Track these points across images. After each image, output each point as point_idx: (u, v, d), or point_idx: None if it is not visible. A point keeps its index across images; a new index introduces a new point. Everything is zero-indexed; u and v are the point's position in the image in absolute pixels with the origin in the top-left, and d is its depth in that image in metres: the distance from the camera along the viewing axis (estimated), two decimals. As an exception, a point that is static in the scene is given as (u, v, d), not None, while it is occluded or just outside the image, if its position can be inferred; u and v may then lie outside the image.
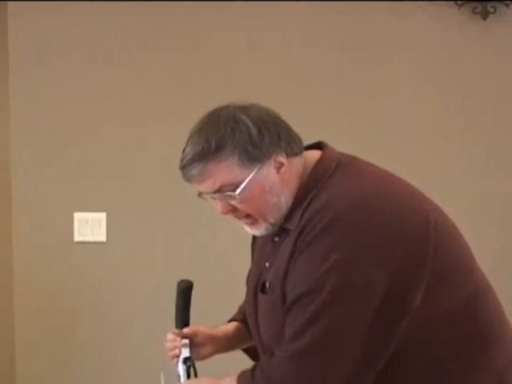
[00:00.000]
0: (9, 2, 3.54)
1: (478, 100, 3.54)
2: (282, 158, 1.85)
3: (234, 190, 1.83)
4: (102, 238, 3.57)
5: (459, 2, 3.48)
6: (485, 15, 3.49)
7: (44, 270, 3.58)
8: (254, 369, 1.84)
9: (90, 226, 3.56)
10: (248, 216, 1.88)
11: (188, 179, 1.91)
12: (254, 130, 1.83)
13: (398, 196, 1.83)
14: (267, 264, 1.93)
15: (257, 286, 1.95)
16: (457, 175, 3.55)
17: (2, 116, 3.78)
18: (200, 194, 1.92)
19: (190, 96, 3.53)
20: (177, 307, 2.17)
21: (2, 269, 3.87)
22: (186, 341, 2.11)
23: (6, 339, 3.88)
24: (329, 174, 1.86)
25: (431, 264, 1.75)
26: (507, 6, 3.48)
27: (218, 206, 1.89)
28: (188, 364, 2.11)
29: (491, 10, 3.49)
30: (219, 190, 1.84)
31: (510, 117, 3.57)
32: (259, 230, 1.90)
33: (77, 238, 3.56)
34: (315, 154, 1.92)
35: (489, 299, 1.90)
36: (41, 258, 3.58)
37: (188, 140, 1.91)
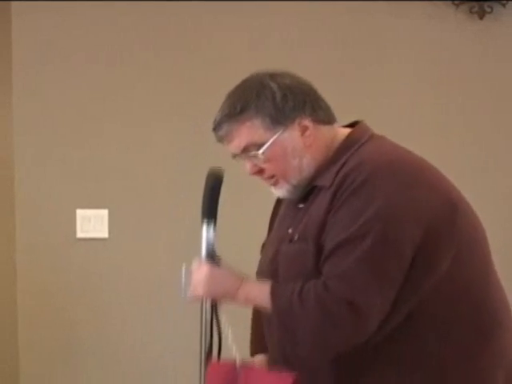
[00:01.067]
0: (12, 2, 3.55)
1: (475, 99, 3.55)
2: (306, 123, 1.95)
3: (258, 150, 1.93)
4: (104, 234, 3.58)
5: (456, 2, 3.50)
6: (482, 15, 3.51)
7: (47, 266, 3.59)
8: (292, 288, 1.86)
9: (92, 223, 3.57)
10: (272, 177, 1.98)
11: (219, 140, 2.02)
12: (278, 95, 1.94)
13: (429, 169, 1.97)
14: (290, 230, 1.98)
15: (277, 252, 2.00)
16: (454, 174, 3.56)
17: (5, 115, 3.79)
18: (234, 156, 2.02)
19: (191, 95, 3.54)
20: (205, 198, 2.13)
21: (6, 265, 3.88)
22: None
23: (9, 335, 3.88)
24: (363, 141, 1.97)
25: (458, 234, 1.87)
26: (504, 5, 3.50)
27: (247, 167, 1.99)
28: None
29: (488, 9, 3.50)
30: (245, 150, 1.96)
31: (508, 116, 3.58)
32: (281, 191, 2.00)
33: (79, 234, 3.57)
34: (349, 130, 2.01)
35: (496, 290, 1.97)
36: (43, 254, 3.59)
37: (224, 100, 2.02)
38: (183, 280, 2.06)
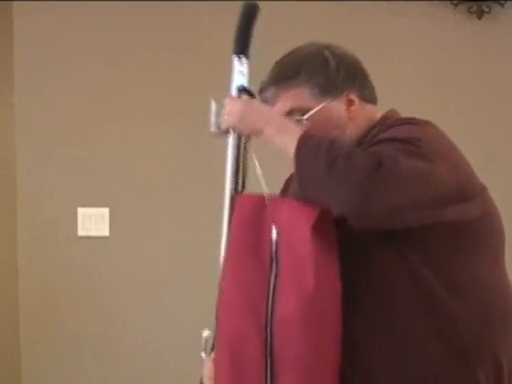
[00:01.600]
0: (14, 2, 3.56)
1: (474, 98, 3.55)
2: (353, 97, 1.95)
3: (303, 115, 1.91)
4: (105, 232, 3.59)
5: (455, 2, 3.51)
6: (480, 14, 3.51)
7: (48, 264, 3.60)
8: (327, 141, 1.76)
9: (93, 221, 3.58)
10: None
11: (264, 101, 1.98)
12: (331, 64, 1.94)
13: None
14: None
15: None
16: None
17: (7, 114, 3.80)
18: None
19: (191, 95, 3.53)
20: (238, 30, 2.07)
21: (8, 263, 3.89)
22: None
23: (10, 332, 3.89)
24: (397, 117, 1.97)
25: (483, 208, 1.92)
26: (502, 5, 3.50)
27: None
28: None
29: (486, 9, 3.51)
30: (289, 114, 1.92)
31: (507, 115, 3.58)
32: None
33: (80, 232, 3.58)
34: None
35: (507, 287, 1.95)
36: (45, 252, 3.60)
37: (276, 62, 2.01)
38: (213, 114, 2.00)
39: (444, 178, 1.77)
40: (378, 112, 2.02)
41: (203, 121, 3.56)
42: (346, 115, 1.94)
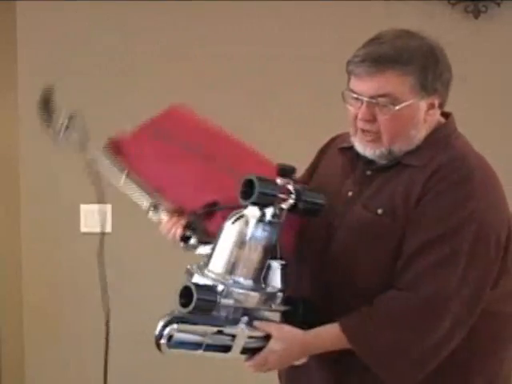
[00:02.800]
0: (17, 2, 3.58)
1: (471, 97, 3.54)
2: (436, 102, 1.92)
3: (394, 104, 1.85)
4: (108, 229, 3.56)
5: (452, 1, 3.51)
6: (477, 14, 3.52)
7: (51, 260, 3.62)
8: (360, 311, 1.84)
9: (95, 218, 3.59)
10: (376, 133, 1.90)
11: (353, 71, 1.91)
12: (440, 63, 1.91)
13: None
14: (350, 193, 1.95)
15: (333, 211, 1.94)
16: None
17: (11, 110, 3.82)
18: (344, 93, 1.93)
19: (193, 91, 3.56)
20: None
21: (11, 259, 3.91)
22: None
23: (14, 327, 3.91)
24: (454, 136, 1.97)
25: None
26: (498, 5, 3.51)
27: (361, 111, 1.89)
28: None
29: (483, 9, 3.51)
30: (380, 96, 1.86)
31: (503, 114, 3.58)
32: (372, 151, 1.92)
33: (83, 229, 3.61)
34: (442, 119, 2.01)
35: None
36: (48, 248, 3.62)
37: (374, 40, 1.93)
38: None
39: (495, 256, 1.84)
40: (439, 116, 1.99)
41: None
42: (423, 117, 1.91)
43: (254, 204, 1.80)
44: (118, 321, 3.62)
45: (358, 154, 1.99)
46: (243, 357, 1.84)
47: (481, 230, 1.81)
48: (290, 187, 1.85)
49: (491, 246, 1.83)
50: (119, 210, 3.60)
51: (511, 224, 1.90)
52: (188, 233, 1.95)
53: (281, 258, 1.84)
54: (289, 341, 1.86)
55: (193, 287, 1.74)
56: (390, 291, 1.83)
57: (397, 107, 1.85)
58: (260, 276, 1.84)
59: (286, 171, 1.87)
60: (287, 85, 3.55)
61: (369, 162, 1.97)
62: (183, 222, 2.05)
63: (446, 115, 2.02)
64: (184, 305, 1.77)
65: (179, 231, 2.02)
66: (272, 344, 1.84)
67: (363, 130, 1.91)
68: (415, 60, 1.86)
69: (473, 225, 1.80)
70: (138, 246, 3.62)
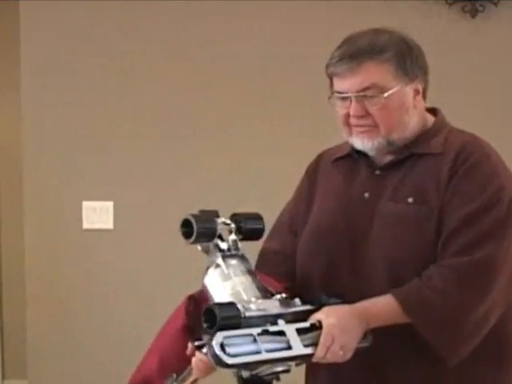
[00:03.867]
0: (20, 2, 3.57)
1: (468, 96, 3.54)
2: (420, 87, 1.95)
3: (382, 93, 1.87)
4: (109, 225, 3.60)
5: (449, 1, 3.50)
6: (474, 13, 3.51)
7: (54, 256, 3.61)
8: (410, 284, 1.83)
9: (97, 214, 3.59)
10: (371, 126, 1.91)
11: (333, 73, 1.93)
12: (414, 49, 1.93)
13: None
14: (366, 195, 1.95)
15: (364, 214, 1.94)
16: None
17: (14, 109, 3.84)
18: (330, 97, 1.95)
19: (192, 92, 3.56)
20: None
21: (15, 255, 3.93)
22: None
23: (17, 321, 3.93)
24: (449, 124, 2.02)
25: None
26: (495, 4, 3.50)
27: (352, 108, 1.90)
28: None
29: (480, 8, 3.50)
30: (366, 89, 1.88)
31: (500, 112, 3.57)
32: (371, 142, 1.92)
33: (85, 225, 3.60)
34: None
35: None
36: (51, 244, 3.62)
37: (346, 41, 1.95)
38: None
39: None
40: (425, 110, 2.02)
41: (205, 119, 3.62)
42: (412, 103, 1.93)
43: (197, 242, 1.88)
44: (120, 313, 3.65)
45: (356, 159, 2.01)
46: (310, 350, 1.75)
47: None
48: (226, 220, 1.90)
49: None
50: (121, 207, 3.62)
51: None
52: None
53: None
54: (340, 313, 1.80)
55: (215, 307, 1.70)
56: (438, 262, 1.84)
57: (385, 95, 1.88)
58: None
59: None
60: (287, 84, 3.54)
61: (372, 162, 1.98)
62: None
63: (433, 110, 2.06)
64: (209, 328, 1.70)
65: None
66: (327, 321, 1.77)
67: (359, 126, 1.93)
68: (389, 48, 1.89)
69: (506, 196, 1.85)
70: (139, 243, 3.62)
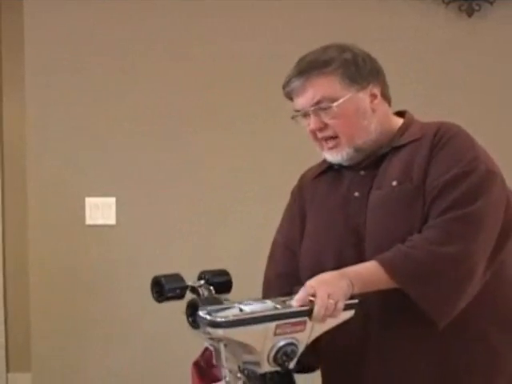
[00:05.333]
0: (24, 1, 3.57)
1: (464, 94, 3.56)
2: (376, 91, 1.99)
3: (332, 103, 1.93)
4: (112, 221, 3.61)
5: (446, 0, 3.52)
6: (470, 13, 3.52)
7: (58, 252, 3.62)
8: (397, 245, 1.86)
9: (100, 210, 3.60)
10: (334, 138, 1.96)
11: (289, 93, 2.00)
12: (360, 56, 1.99)
13: None
14: (356, 193, 1.98)
15: (356, 208, 1.96)
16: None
17: (18, 107, 3.84)
18: (294, 117, 2.01)
19: (191, 92, 3.57)
20: None
21: (19, 250, 3.94)
22: None
23: (21, 316, 3.94)
24: (419, 121, 2.06)
25: None
26: (491, 3, 3.52)
27: (311, 122, 1.96)
28: None
29: (476, 7, 3.52)
30: (317, 103, 1.94)
31: (497, 111, 3.58)
32: (339, 155, 1.98)
33: (88, 221, 3.60)
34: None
35: None
36: (55, 240, 3.62)
37: (298, 61, 2.01)
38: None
39: (499, 202, 1.90)
40: (391, 112, 2.06)
41: (207, 117, 3.62)
42: (369, 108, 1.97)
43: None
44: (122, 307, 3.66)
45: (337, 169, 2.05)
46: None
47: (489, 168, 1.91)
48: (194, 284, 1.93)
49: (500, 181, 1.92)
50: (123, 203, 3.62)
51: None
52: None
53: None
54: (322, 274, 1.86)
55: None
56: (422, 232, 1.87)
57: (335, 104, 1.93)
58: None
59: None
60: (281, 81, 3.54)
61: (355, 166, 2.01)
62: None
63: (400, 113, 2.09)
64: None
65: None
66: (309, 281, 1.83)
67: (325, 140, 1.98)
68: (333, 60, 1.95)
69: (481, 165, 1.89)
70: (141, 239, 3.63)
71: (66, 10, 3.57)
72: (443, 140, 1.92)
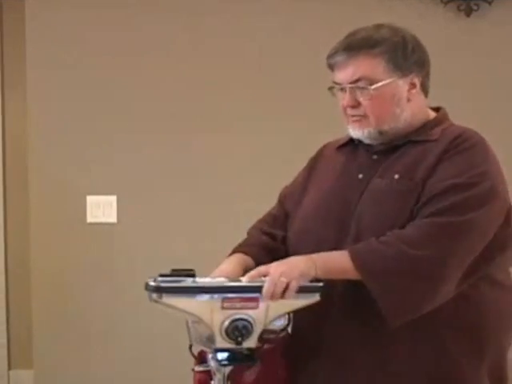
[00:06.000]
0: (26, 0, 3.58)
1: (462, 93, 3.55)
2: (416, 81, 1.98)
3: (371, 85, 1.92)
4: (113, 219, 3.62)
5: (445, 0, 3.53)
6: (469, 12, 3.54)
7: (59, 249, 3.64)
8: (371, 239, 1.86)
9: (101, 208, 3.61)
10: (362, 116, 1.96)
11: (332, 64, 1.98)
12: (410, 45, 1.97)
13: None
14: (360, 176, 1.99)
15: (356, 190, 1.98)
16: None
17: (20, 104, 3.84)
18: (330, 88, 2.00)
19: (198, 89, 3.58)
20: None
21: (21, 248, 3.93)
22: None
23: (23, 313, 3.94)
24: (451, 120, 2.06)
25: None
26: (489, 3, 3.53)
27: (346, 98, 1.96)
28: None
29: (474, 7, 3.53)
30: (356, 81, 1.94)
31: (494, 109, 3.59)
32: (361, 131, 1.98)
33: (89, 219, 3.62)
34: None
35: None
36: (56, 237, 3.64)
37: (348, 35, 1.99)
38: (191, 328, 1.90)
39: (490, 222, 1.89)
40: (427, 105, 2.05)
41: (208, 115, 3.62)
42: (406, 96, 1.97)
43: None
44: (123, 304, 3.66)
45: (356, 145, 2.05)
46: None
47: (494, 187, 1.88)
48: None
49: (500, 203, 1.89)
50: (124, 201, 3.63)
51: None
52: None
53: None
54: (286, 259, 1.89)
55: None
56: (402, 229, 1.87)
57: (373, 87, 1.92)
58: None
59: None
60: (287, 83, 3.56)
61: (370, 148, 2.02)
62: None
63: (437, 109, 2.09)
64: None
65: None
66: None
67: (352, 116, 1.98)
68: (383, 43, 1.93)
69: (487, 181, 1.87)
70: (141, 236, 3.64)
71: (67, 9, 3.58)
72: (459, 148, 1.91)
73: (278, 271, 1.79)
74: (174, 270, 1.87)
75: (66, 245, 3.64)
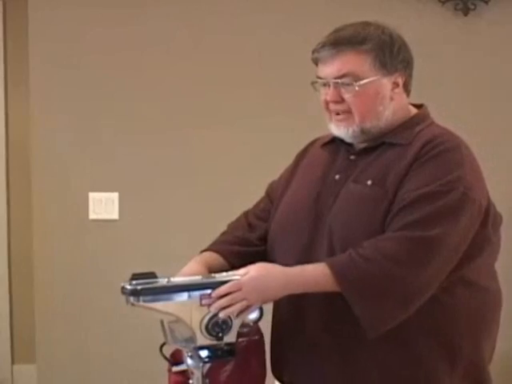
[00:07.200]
0: (29, -2, 3.59)
1: (460, 92, 3.56)
2: (400, 80, 1.98)
3: (356, 81, 1.92)
4: (115, 216, 3.63)
5: (442, 0, 3.54)
6: (466, 12, 3.53)
7: (61, 246, 3.64)
8: (350, 251, 1.84)
9: (103, 205, 3.62)
10: (345, 112, 1.96)
11: (317, 58, 1.99)
12: (396, 43, 1.97)
13: None
14: (337, 176, 2.00)
15: (320, 193, 2.00)
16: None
17: (22, 103, 3.85)
18: (314, 83, 2.01)
19: (199, 87, 3.59)
20: None
21: (24, 244, 3.95)
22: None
23: (26, 308, 3.95)
24: (431, 120, 2.04)
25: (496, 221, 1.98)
26: (486, 3, 3.53)
27: (329, 93, 1.96)
28: None
29: (472, 6, 3.53)
30: (341, 77, 1.94)
31: (492, 109, 3.58)
32: (345, 130, 1.98)
33: (91, 216, 3.62)
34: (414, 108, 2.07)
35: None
36: (59, 234, 3.64)
37: (334, 30, 1.99)
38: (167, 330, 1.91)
39: (466, 229, 1.88)
40: (409, 104, 2.05)
41: (209, 113, 3.63)
42: (389, 95, 1.97)
43: None
44: (123, 304, 3.66)
45: (338, 145, 2.07)
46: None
47: (467, 193, 1.86)
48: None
49: (475, 209, 1.88)
50: (126, 198, 3.64)
51: (489, 197, 1.97)
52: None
53: None
54: (268, 266, 1.89)
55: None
56: (380, 235, 1.87)
57: (358, 83, 1.92)
58: None
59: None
60: (287, 80, 3.56)
61: (350, 148, 2.03)
62: None
63: (418, 106, 2.09)
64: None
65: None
66: (248, 269, 1.86)
67: (336, 113, 1.98)
68: (370, 40, 1.94)
69: (460, 187, 1.85)
70: (143, 233, 3.64)
71: (70, 7, 3.58)
72: (430, 154, 1.89)
73: (243, 294, 1.81)
74: (134, 275, 1.87)
75: (69, 241, 3.65)
